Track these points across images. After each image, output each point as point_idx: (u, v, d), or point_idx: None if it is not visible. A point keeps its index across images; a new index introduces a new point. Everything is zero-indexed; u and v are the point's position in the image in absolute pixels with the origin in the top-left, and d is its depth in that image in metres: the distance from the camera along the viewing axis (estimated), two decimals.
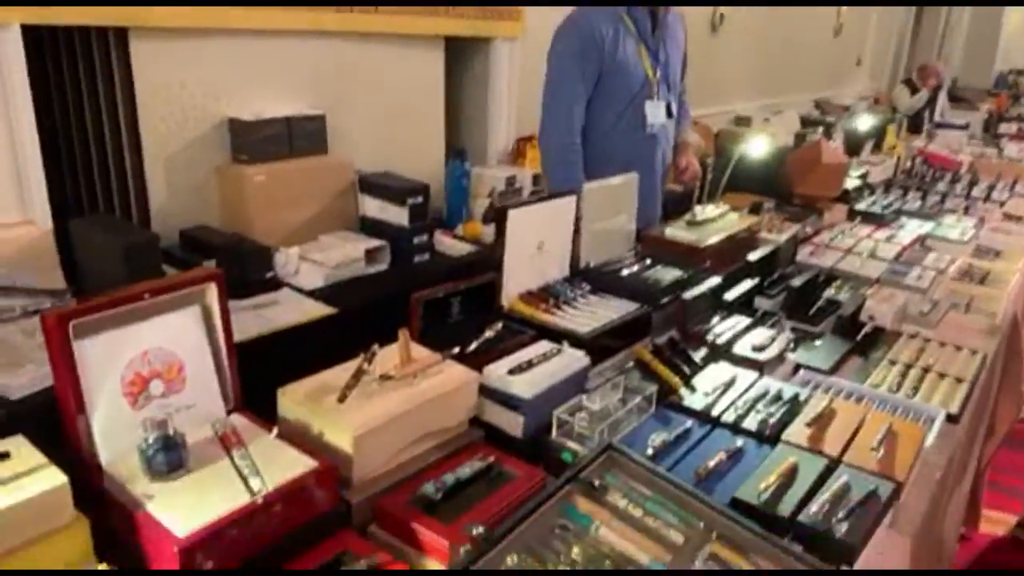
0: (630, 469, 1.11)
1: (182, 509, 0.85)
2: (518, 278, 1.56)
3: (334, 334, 1.97)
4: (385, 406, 1.06)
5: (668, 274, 1.79)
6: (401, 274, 2.38)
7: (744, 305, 1.87)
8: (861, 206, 2.86)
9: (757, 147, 2.56)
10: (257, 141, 2.30)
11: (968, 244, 2.68)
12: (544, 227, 1.60)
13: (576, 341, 1.41)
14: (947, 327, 2.00)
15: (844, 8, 6.99)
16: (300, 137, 2.42)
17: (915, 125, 5.37)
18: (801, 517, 1.07)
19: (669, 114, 2.40)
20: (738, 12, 5.14)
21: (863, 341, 1.83)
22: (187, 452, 0.91)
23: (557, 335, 1.44)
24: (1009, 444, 2.49)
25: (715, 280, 1.76)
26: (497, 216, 1.47)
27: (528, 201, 1.55)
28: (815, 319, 1.90)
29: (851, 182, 3.02)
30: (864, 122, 3.43)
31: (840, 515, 1.08)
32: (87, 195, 2.30)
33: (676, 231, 1.96)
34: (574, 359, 1.34)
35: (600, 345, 1.49)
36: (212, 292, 1.00)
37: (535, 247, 1.60)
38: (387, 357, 1.17)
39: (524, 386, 1.22)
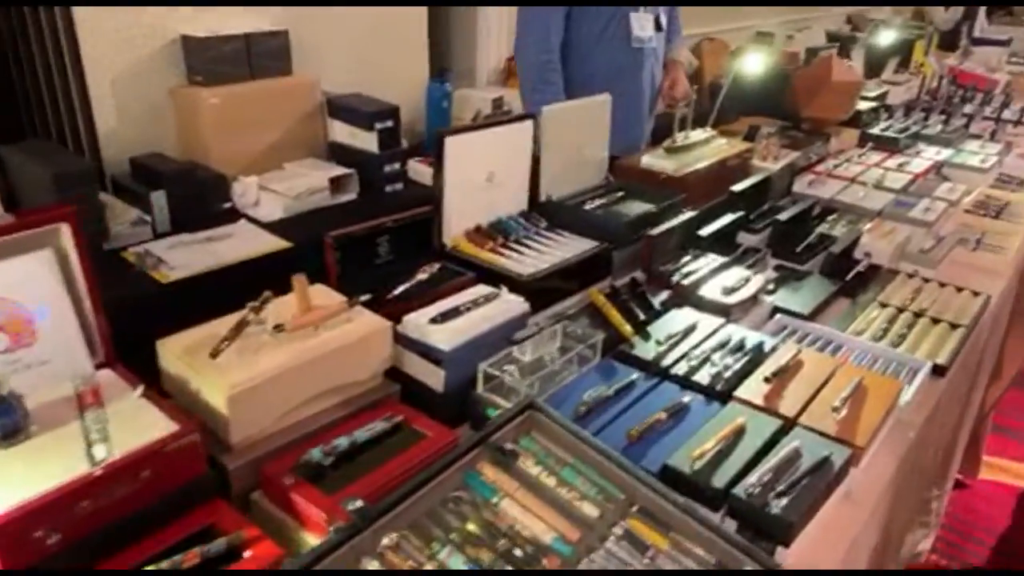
0: (551, 431, 1.00)
1: (12, 481, 0.76)
2: (463, 213, 1.42)
3: (288, 270, 1.87)
4: (271, 361, 0.95)
5: (639, 208, 1.64)
6: (370, 205, 2.24)
7: (726, 242, 1.71)
8: (875, 131, 2.63)
9: (752, 64, 2.33)
10: (212, 60, 2.14)
11: (989, 172, 2.46)
12: (494, 156, 1.45)
13: (516, 284, 1.28)
14: (951, 266, 1.83)
15: None
16: (261, 56, 2.25)
17: (951, 42, 4.97)
18: (736, 490, 0.95)
19: (658, 27, 2.19)
20: None
21: (853, 281, 1.67)
22: (26, 415, 0.81)
23: (499, 278, 1.31)
24: (1020, 384, 2.34)
25: (688, 214, 1.60)
26: (435, 143, 1.32)
27: (471, 127, 1.39)
28: (802, 256, 1.74)
29: (867, 104, 2.78)
30: (885, 37, 3.14)
31: (781, 487, 0.96)
32: (39, 120, 2.19)
33: (654, 159, 1.78)
34: (511, 305, 1.21)
35: (549, 288, 1.36)
36: (66, 234, 0.88)
37: (484, 178, 1.45)
38: (289, 305, 1.05)
39: (445, 336, 1.10)
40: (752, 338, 1.31)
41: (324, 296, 1.11)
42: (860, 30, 6.19)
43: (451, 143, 1.34)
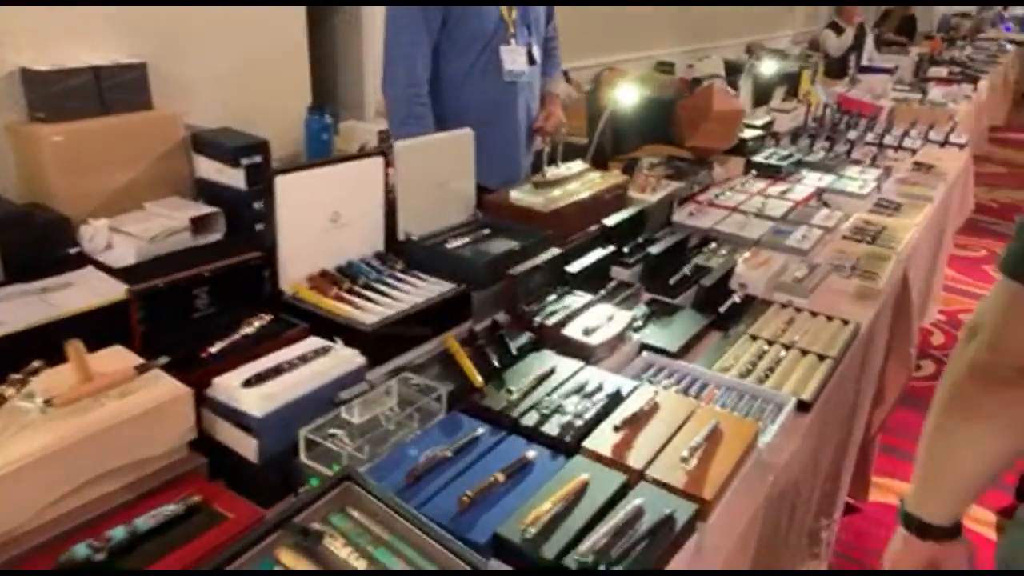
0: (367, 505, 0.90)
1: None
2: (303, 257, 1.32)
3: (137, 322, 1.71)
4: (31, 443, 0.82)
5: (504, 246, 1.57)
6: (238, 245, 2.10)
7: (599, 278, 1.66)
8: (759, 158, 2.66)
9: (627, 96, 2.32)
10: (56, 95, 1.98)
11: (868, 198, 2.51)
12: (339, 194, 1.36)
13: (357, 335, 1.19)
14: (826, 294, 1.82)
15: None
16: (115, 90, 2.10)
17: (840, 70, 5.19)
18: (567, 559, 0.87)
19: (532, 60, 2.15)
20: None
21: (726, 314, 1.64)
22: None
23: (339, 329, 1.21)
24: (907, 404, 2.36)
25: (554, 251, 1.54)
26: (265, 183, 1.22)
27: (309, 164, 1.30)
28: (674, 290, 1.70)
29: (752, 132, 2.82)
30: (769, 67, 3.22)
31: (617, 553, 0.88)
32: None
33: (522, 195, 1.72)
34: (344, 360, 1.11)
35: (398, 336, 1.27)
36: None
37: (327, 219, 1.35)
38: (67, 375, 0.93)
39: (259, 400, 0.99)
40: (611, 382, 1.25)
41: (119, 360, 0.99)
42: (757, 58, 6.41)
43: (283, 183, 1.24)
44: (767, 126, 3.01)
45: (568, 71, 3.84)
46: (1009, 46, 8.61)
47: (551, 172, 1.80)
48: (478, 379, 1.20)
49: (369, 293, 1.34)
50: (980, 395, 0.84)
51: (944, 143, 3.43)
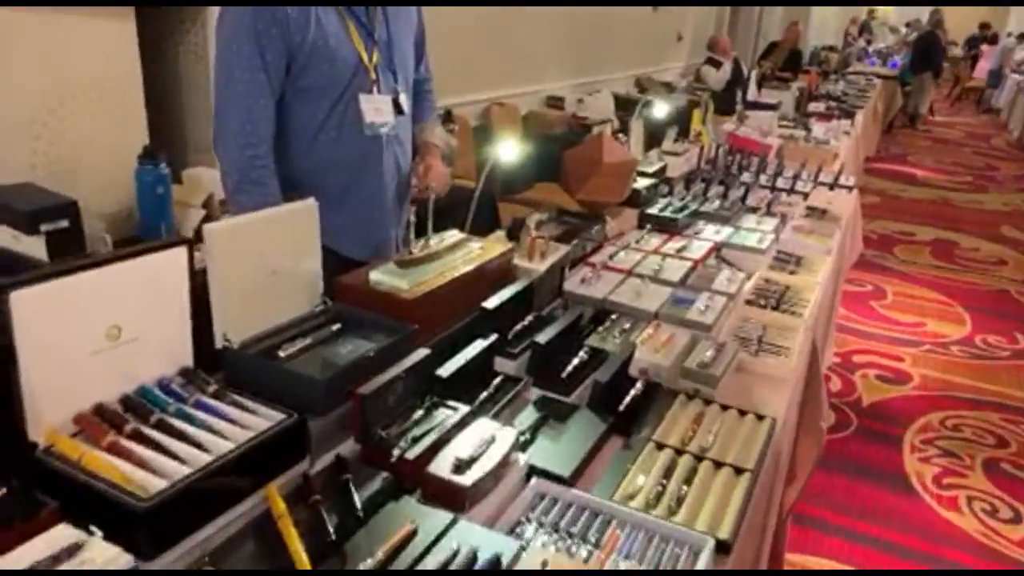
0: None
1: None
2: (66, 391, 0.97)
3: None
4: None
5: (356, 349, 1.26)
6: None
7: (480, 373, 1.38)
8: (653, 210, 2.47)
9: (507, 152, 2.08)
10: None
11: (767, 253, 2.36)
12: (121, 302, 1.01)
13: (131, 516, 0.84)
14: (735, 375, 1.62)
15: None
16: None
17: (729, 105, 5.20)
18: None
19: (399, 110, 1.85)
20: None
21: (627, 413, 1.40)
22: None
23: (106, 505, 0.86)
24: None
25: (422, 352, 1.25)
26: None
27: (66, 269, 0.94)
28: (567, 385, 1.44)
29: (645, 181, 2.64)
30: (660, 109, 3.08)
31: None
32: None
33: (383, 276, 1.41)
34: (101, 562, 0.77)
35: (196, 503, 0.93)
36: None
37: (102, 335, 1.00)
38: None
39: None
40: (488, 545, 0.96)
41: None
42: (647, 91, 6.40)
43: (22, 300, 0.88)
44: (660, 172, 2.85)
45: (452, 108, 3.59)
46: (876, 80, 9.09)
47: (419, 246, 1.50)
48: (304, 561, 0.89)
49: (162, 437, 1.00)
50: None
51: (833, 186, 3.39)
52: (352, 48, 1.72)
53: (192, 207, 2.29)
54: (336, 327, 1.31)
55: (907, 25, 15.40)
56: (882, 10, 17.22)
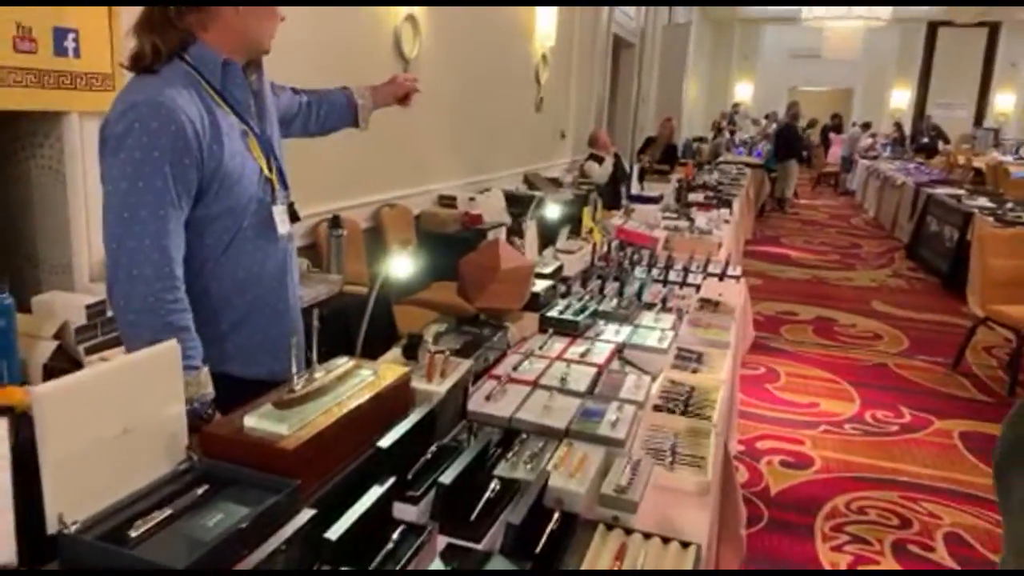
0: None
1: None
2: None
3: None
4: None
5: (228, 517, 1.08)
6: None
7: (376, 527, 1.21)
8: (553, 313, 2.41)
9: (401, 266, 1.97)
10: None
11: (668, 351, 2.33)
12: None
13: None
14: (654, 494, 1.53)
15: (543, 81, 7.06)
16: None
17: (613, 200, 5.36)
18: None
19: (295, 217, 1.75)
20: (434, 87, 4.75)
21: (545, 555, 1.27)
22: None
23: None
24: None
25: (307, 513, 1.08)
26: None
27: None
28: (477, 529, 1.30)
29: (543, 283, 2.59)
30: (552, 211, 3.10)
31: None
32: None
33: (259, 420, 1.25)
34: None
35: None
36: None
37: None
38: None
39: None
40: None
41: None
42: (535, 188, 6.55)
43: None
44: (556, 272, 2.82)
45: (339, 212, 3.48)
46: (747, 169, 9.76)
47: (301, 382, 1.34)
48: None
49: None
50: None
51: (722, 276, 3.49)
52: (255, 163, 1.63)
53: (42, 339, 2.03)
54: (203, 490, 1.12)
55: (766, 117, 16.79)
56: (745, 102, 18.76)
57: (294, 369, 1.31)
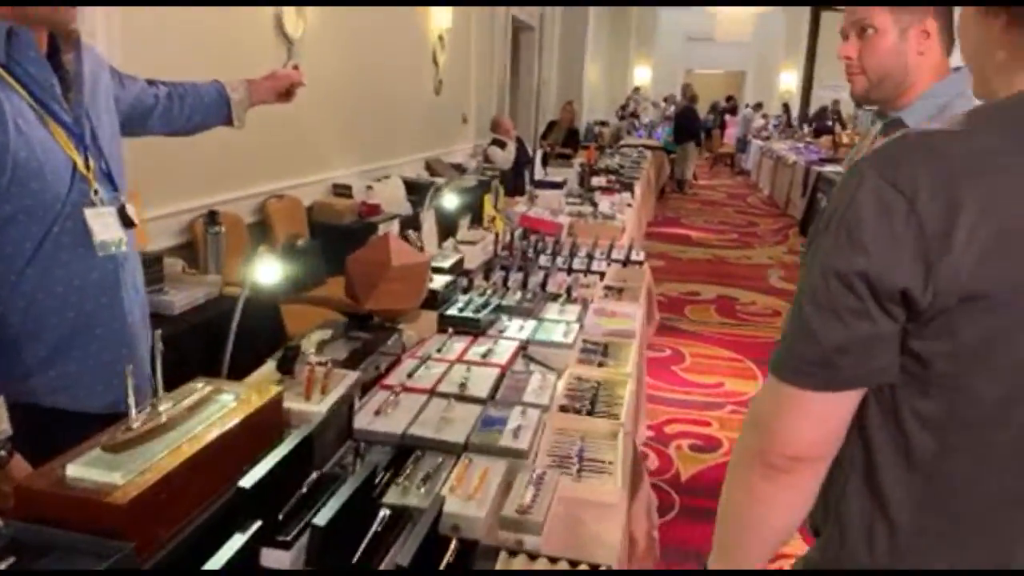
0: None
1: None
2: None
3: None
4: None
5: None
6: None
7: None
8: (453, 311, 2.26)
9: (267, 275, 1.77)
10: None
11: (573, 347, 2.23)
12: None
13: None
14: (560, 511, 1.41)
15: (441, 64, 6.84)
16: None
17: (518, 186, 5.25)
18: None
19: (127, 222, 1.49)
20: (323, 69, 4.46)
21: None
22: None
23: None
24: None
25: None
26: None
27: None
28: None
29: (442, 279, 2.43)
30: (450, 200, 2.93)
31: None
32: None
33: (84, 469, 1.03)
34: None
35: None
36: None
37: None
38: None
39: None
40: None
41: None
42: (437, 174, 6.35)
43: None
44: (457, 266, 2.67)
45: (218, 208, 3.20)
46: (647, 152, 9.86)
47: (144, 416, 1.13)
48: None
49: None
50: (760, 481, 0.90)
51: (626, 262, 3.43)
52: (64, 156, 1.37)
53: None
54: (8, 563, 0.91)
55: (665, 100, 17.11)
56: (644, 85, 19.05)
57: (131, 402, 1.10)
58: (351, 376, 1.62)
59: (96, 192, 1.43)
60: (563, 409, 1.84)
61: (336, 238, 4.04)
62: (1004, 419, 0.79)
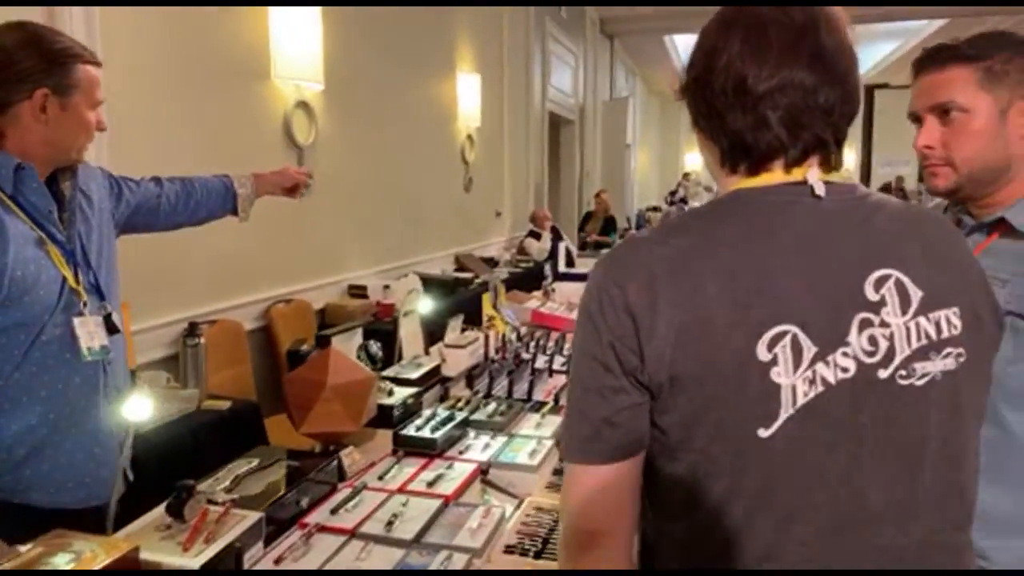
0: None
1: None
2: None
3: None
4: None
5: None
6: None
7: None
8: (409, 429, 2.07)
9: (139, 412, 1.63)
10: None
11: (538, 470, 1.97)
12: None
13: None
14: None
15: (472, 162, 6.89)
16: None
17: (539, 280, 5.10)
18: None
19: (112, 329, 1.58)
20: (336, 172, 4.51)
21: None
22: None
23: None
24: None
25: None
26: None
27: None
28: None
29: (404, 392, 2.25)
30: (425, 305, 2.79)
31: None
32: None
33: None
34: None
35: None
36: None
37: None
38: None
39: None
40: None
41: None
42: (466, 269, 6.28)
43: None
44: (431, 374, 2.49)
45: (219, 317, 3.14)
46: None
47: None
48: None
49: None
50: (579, 558, 0.92)
51: None
52: (56, 272, 1.50)
53: None
54: None
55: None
56: (694, 171, 19.00)
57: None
58: (250, 519, 1.44)
59: (85, 304, 1.54)
60: (509, 550, 1.60)
61: None
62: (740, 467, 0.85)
